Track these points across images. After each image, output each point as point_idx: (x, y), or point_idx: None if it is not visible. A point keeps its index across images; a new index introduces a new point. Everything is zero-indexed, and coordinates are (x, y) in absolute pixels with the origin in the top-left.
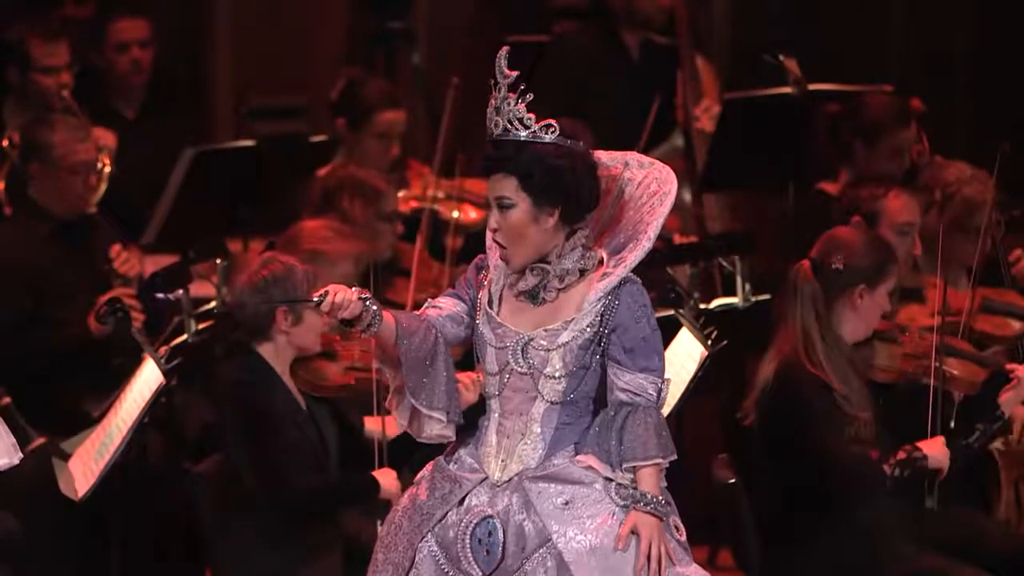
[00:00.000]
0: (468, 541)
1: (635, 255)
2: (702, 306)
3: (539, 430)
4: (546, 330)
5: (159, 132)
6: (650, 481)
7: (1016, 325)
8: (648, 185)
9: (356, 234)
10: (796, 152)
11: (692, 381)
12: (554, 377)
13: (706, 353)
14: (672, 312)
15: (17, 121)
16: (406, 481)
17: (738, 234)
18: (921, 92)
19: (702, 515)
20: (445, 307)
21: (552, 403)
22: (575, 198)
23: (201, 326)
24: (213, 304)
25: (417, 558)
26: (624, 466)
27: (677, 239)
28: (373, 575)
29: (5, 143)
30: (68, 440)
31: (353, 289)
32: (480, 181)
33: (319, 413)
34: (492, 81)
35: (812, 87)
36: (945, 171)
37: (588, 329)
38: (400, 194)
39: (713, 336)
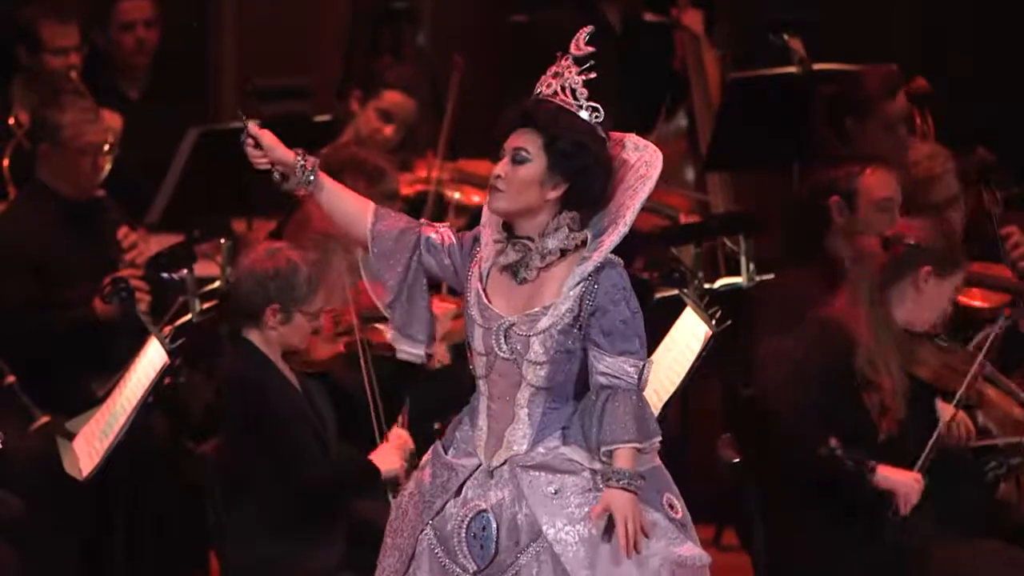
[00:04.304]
0: (464, 535)
1: (611, 239)
2: (706, 286)
3: (526, 415)
4: (526, 315)
5: (163, 112)
6: (625, 460)
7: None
8: (638, 168)
9: None
10: (800, 132)
11: (696, 361)
12: (536, 363)
13: (710, 333)
14: (676, 292)
15: (25, 101)
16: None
17: (742, 214)
18: (926, 71)
19: (706, 494)
20: (440, 236)
21: (537, 388)
22: (585, 184)
23: (205, 306)
24: (217, 284)
25: (417, 549)
26: (603, 449)
27: (682, 219)
28: (383, 557)
29: (11, 121)
30: (72, 419)
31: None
32: (482, 163)
33: (314, 390)
34: (560, 53)
35: (816, 67)
36: (908, 153)
37: (568, 314)
38: (405, 177)
39: (717, 316)
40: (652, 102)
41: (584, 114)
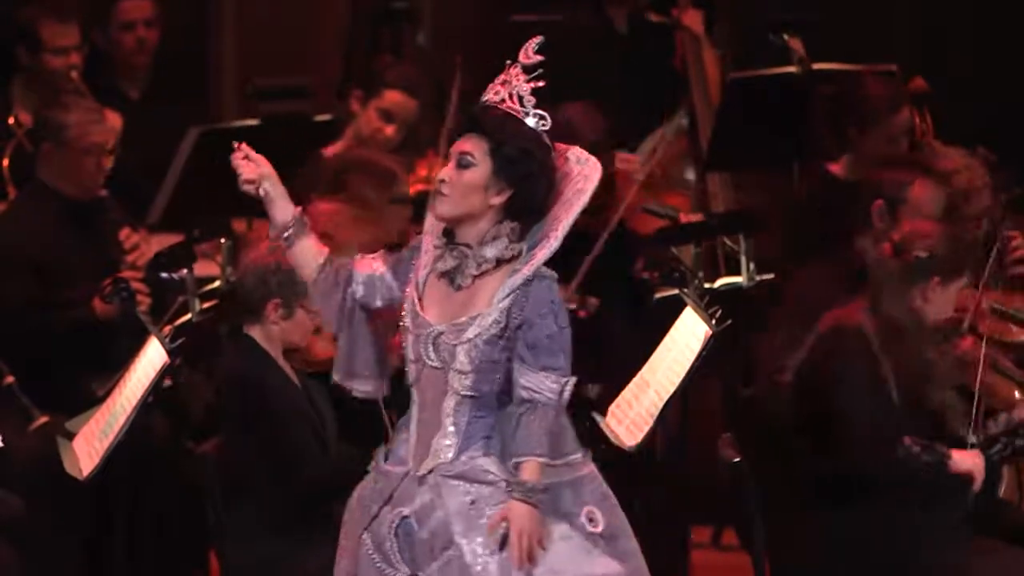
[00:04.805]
0: (393, 540)
1: (543, 253)
2: (706, 285)
3: (451, 424)
4: (454, 324)
5: (164, 112)
6: (531, 473)
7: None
8: (576, 182)
9: (368, 217)
10: (800, 132)
11: (696, 361)
12: (462, 372)
13: (710, 332)
14: (676, 291)
15: (25, 101)
16: None
17: (743, 213)
18: (926, 71)
19: (705, 494)
20: (371, 267)
21: (462, 397)
22: (529, 191)
23: (205, 306)
24: (217, 284)
25: (360, 552)
26: (512, 461)
27: (682, 218)
28: (339, 559)
29: (12, 121)
30: (72, 419)
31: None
32: None
33: (315, 389)
34: (509, 61)
35: (816, 67)
36: (938, 161)
37: (494, 325)
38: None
39: (717, 315)
40: (655, 102)
41: (531, 121)
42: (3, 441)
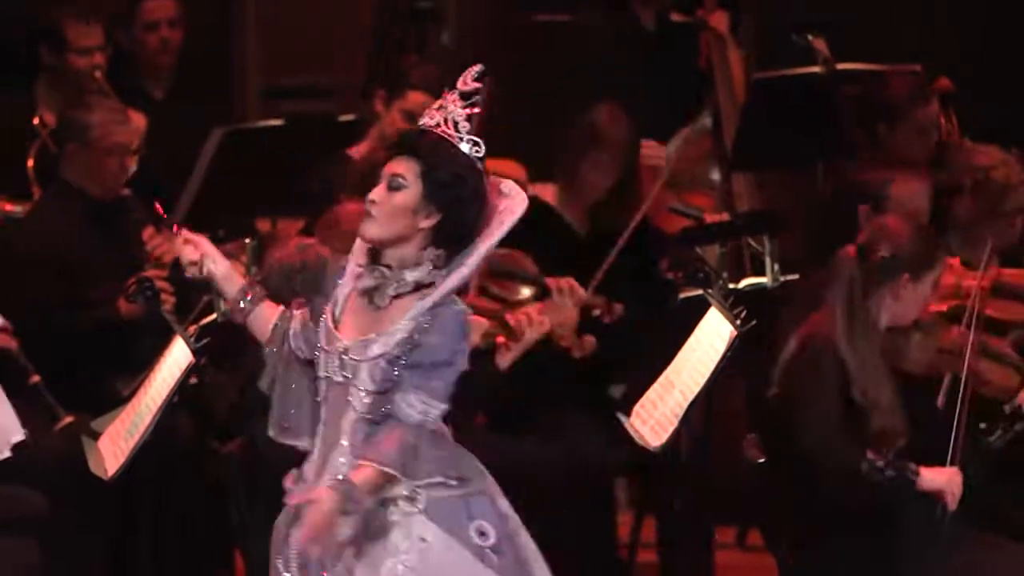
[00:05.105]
0: (295, 559)
1: (454, 281)
2: (731, 286)
3: (347, 443)
4: (360, 341)
5: (187, 112)
6: (361, 475)
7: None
8: (502, 213)
9: None
10: (824, 132)
11: (721, 361)
12: (362, 390)
13: (735, 333)
14: (701, 292)
15: (49, 102)
16: None
17: (767, 214)
18: (950, 72)
19: (729, 495)
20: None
21: (359, 415)
22: (458, 216)
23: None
24: None
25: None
26: (356, 462)
27: (707, 219)
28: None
29: (36, 121)
30: (98, 419)
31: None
32: (508, 162)
33: None
34: (446, 90)
35: (840, 67)
36: (975, 156)
37: (396, 347)
38: None
39: (742, 316)
40: (681, 102)
41: (465, 147)
42: (29, 438)
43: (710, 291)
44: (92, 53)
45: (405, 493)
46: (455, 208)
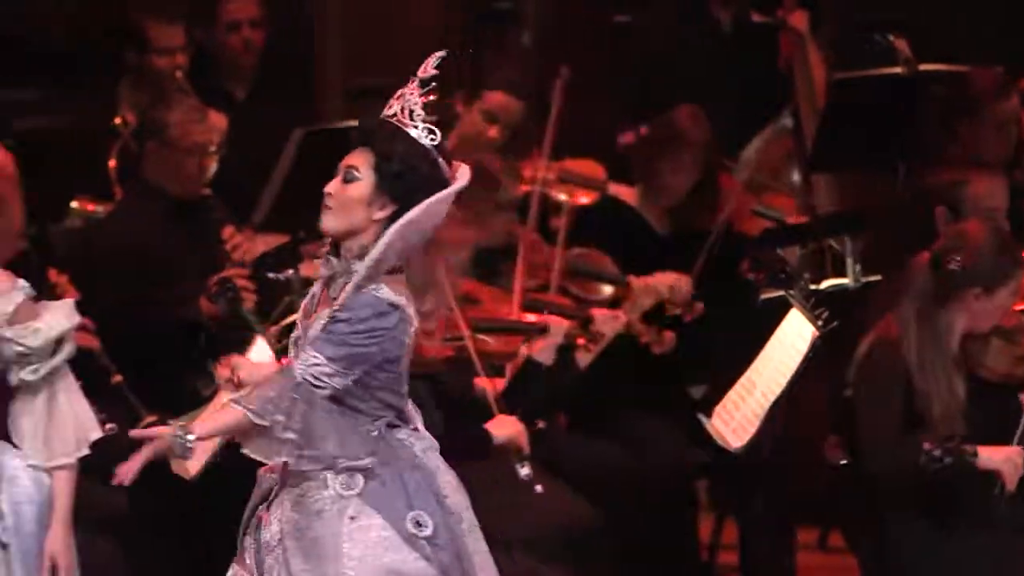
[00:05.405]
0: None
1: (364, 265)
2: (812, 287)
3: None
4: (304, 324)
5: (269, 112)
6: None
7: None
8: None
9: (471, 221)
10: (905, 133)
11: (802, 362)
12: None
13: (817, 334)
14: (782, 293)
15: (132, 102)
16: None
17: (848, 215)
18: None
19: (810, 497)
20: None
21: None
22: (412, 207)
23: None
24: None
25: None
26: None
27: (788, 220)
28: None
29: (118, 121)
30: (179, 419)
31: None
32: (588, 162)
33: (420, 389)
34: (411, 77)
35: (922, 67)
36: None
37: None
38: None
39: (823, 317)
40: (759, 103)
41: (416, 132)
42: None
43: (791, 292)
44: (174, 53)
45: (343, 479)
46: (409, 199)
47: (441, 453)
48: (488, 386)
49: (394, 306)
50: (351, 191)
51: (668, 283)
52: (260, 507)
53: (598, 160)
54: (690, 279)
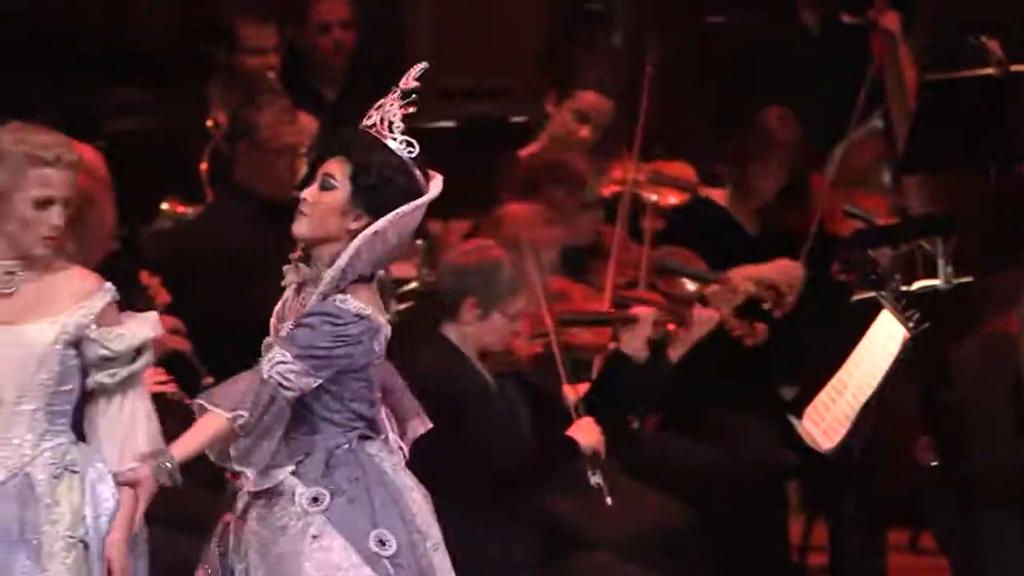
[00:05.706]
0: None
1: (330, 273)
2: (903, 288)
3: None
4: (277, 329)
5: (360, 113)
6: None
7: None
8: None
9: (558, 221)
10: (997, 134)
11: (894, 363)
12: None
13: (908, 335)
14: (874, 293)
15: (223, 102)
16: None
17: (939, 216)
18: None
19: (899, 498)
20: None
21: None
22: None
23: (402, 306)
24: (414, 285)
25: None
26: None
27: (879, 221)
28: None
29: (210, 123)
30: None
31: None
32: (679, 164)
33: (510, 388)
34: (393, 88)
35: (1014, 68)
36: None
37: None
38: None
39: (915, 318)
40: (849, 105)
41: (394, 144)
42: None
43: (883, 293)
44: (265, 53)
45: (310, 495)
46: (383, 212)
47: (527, 457)
48: (571, 393)
49: (360, 316)
50: (327, 199)
51: (781, 269)
52: (228, 513)
53: (689, 162)
54: (800, 264)
